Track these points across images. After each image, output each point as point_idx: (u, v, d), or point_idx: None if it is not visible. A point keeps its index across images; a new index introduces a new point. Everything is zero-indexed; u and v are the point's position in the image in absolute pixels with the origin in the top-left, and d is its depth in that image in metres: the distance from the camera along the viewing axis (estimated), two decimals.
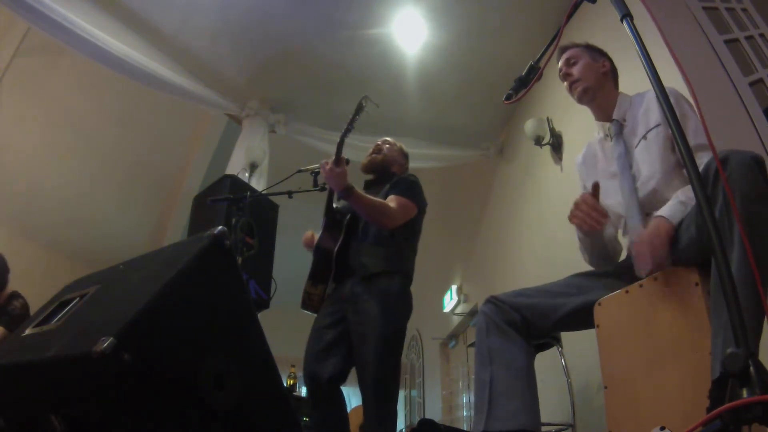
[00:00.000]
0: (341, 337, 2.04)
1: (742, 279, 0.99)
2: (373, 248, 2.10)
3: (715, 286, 1.07)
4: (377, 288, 2.02)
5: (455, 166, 4.93)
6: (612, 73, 1.69)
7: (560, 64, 1.69)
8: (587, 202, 1.45)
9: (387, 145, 2.42)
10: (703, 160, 1.28)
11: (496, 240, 4.45)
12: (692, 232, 1.23)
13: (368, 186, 2.37)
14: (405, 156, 2.48)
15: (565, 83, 1.68)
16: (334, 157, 2.03)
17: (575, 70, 1.64)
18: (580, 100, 1.65)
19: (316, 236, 2.29)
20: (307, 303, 2.20)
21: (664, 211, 1.33)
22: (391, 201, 2.10)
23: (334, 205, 2.26)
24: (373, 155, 2.38)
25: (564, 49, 1.70)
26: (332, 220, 2.21)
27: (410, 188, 2.19)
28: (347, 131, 2.13)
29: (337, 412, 2.04)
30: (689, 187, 1.35)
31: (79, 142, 4.76)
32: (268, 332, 1.08)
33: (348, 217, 2.20)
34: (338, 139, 2.11)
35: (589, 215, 1.45)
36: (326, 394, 2.02)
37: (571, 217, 1.49)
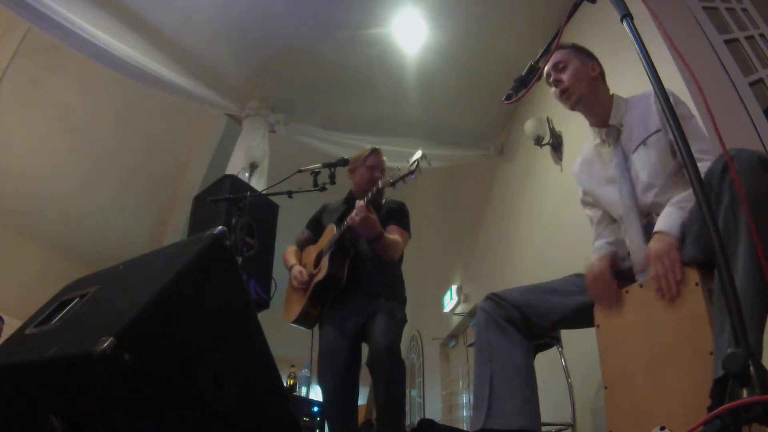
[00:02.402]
0: (352, 348, 2.21)
1: (749, 278, 0.99)
2: (380, 274, 2.25)
3: (720, 286, 1.07)
4: (382, 304, 2.18)
5: (455, 166, 4.93)
6: (601, 75, 1.64)
7: (548, 67, 1.61)
8: (605, 281, 1.40)
9: (381, 175, 2.41)
10: (703, 164, 1.27)
11: (496, 240, 4.45)
12: (695, 230, 1.22)
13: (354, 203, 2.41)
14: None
15: (554, 89, 1.62)
16: (364, 202, 2.06)
17: (565, 77, 1.58)
18: (573, 108, 1.61)
19: (296, 253, 2.40)
20: (301, 320, 2.30)
21: (662, 224, 1.29)
22: (395, 234, 2.26)
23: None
24: (377, 176, 2.37)
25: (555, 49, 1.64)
26: (342, 249, 2.25)
27: (406, 219, 2.38)
28: (393, 184, 2.09)
29: (352, 424, 2.16)
30: (684, 193, 1.35)
31: (79, 142, 4.76)
32: (268, 332, 1.08)
33: (353, 248, 2.27)
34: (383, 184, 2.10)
35: (607, 295, 1.40)
36: (341, 411, 2.16)
37: (590, 292, 1.44)
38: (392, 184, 2.09)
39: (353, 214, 2.06)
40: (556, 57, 1.62)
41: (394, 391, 2.01)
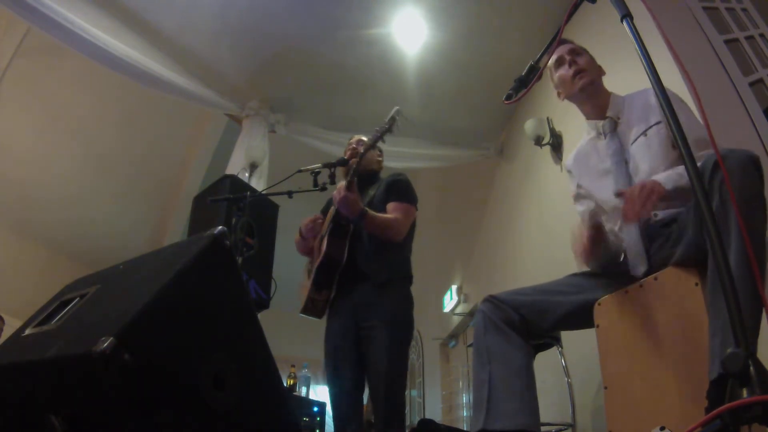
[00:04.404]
0: (356, 345, 2.09)
1: (739, 278, 0.99)
2: (381, 255, 2.14)
3: (713, 286, 1.07)
4: (388, 294, 2.09)
5: (455, 166, 4.93)
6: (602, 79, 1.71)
7: (562, 52, 1.68)
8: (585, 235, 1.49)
9: (362, 147, 2.34)
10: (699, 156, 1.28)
11: (496, 240, 4.45)
12: (689, 233, 1.23)
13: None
14: (379, 149, 2.44)
15: (567, 70, 1.65)
16: (346, 181, 2.01)
17: (581, 61, 1.65)
18: (582, 89, 1.63)
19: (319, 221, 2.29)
20: (310, 308, 2.21)
21: (658, 176, 1.33)
22: (395, 211, 2.15)
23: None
24: (353, 160, 2.28)
25: (564, 41, 1.70)
26: (338, 226, 2.18)
27: (407, 191, 2.24)
28: (372, 145, 2.08)
29: (357, 423, 2.09)
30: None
31: (79, 142, 4.76)
32: (268, 332, 1.08)
33: (352, 225, 2.19)
34: (359, 152, 2.08)
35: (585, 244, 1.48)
36: (349, 405, 2.09)
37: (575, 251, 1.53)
38: (372, 146, 2.08)
39: (335, 192, 2.05)
40: (572, 45, 1.70)
41: (393, 414, 1.97)
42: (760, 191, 1.08)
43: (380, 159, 2.45)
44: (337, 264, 2.15)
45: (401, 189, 2.23)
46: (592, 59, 1.69)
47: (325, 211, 2.41)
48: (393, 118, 2.06)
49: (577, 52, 1.68)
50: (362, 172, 2.32)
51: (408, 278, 2.22)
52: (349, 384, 2.09)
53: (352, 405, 2.11)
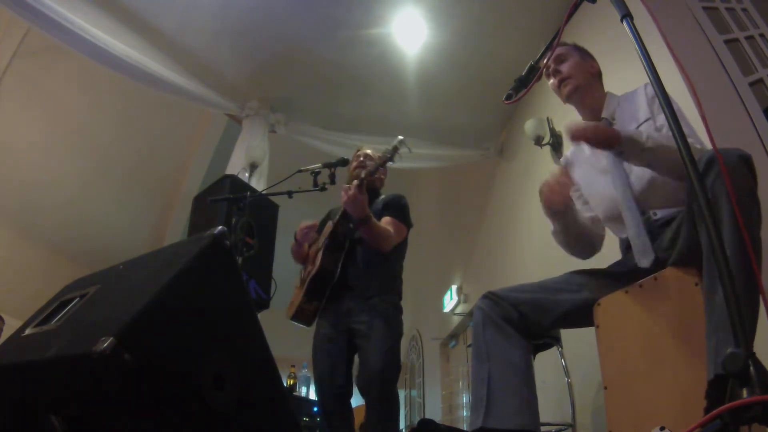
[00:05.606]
0: (346, 349, 2.15)
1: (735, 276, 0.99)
2: (371, 272, 2.20)
3: (708, 286, 1.07)
4: (376, 305, 2.14)
5: (455, 166, 4.93)
6: (599, 75, 1.68)
7: (548, 61, 1.66)
8: (554, 177, 1.48)
9: (370, 161, 2.41)
10: None
11: (496, 240, 4.45)
12: (684, 232, 1.23)
13: None
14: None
15: (553, 80, 1.66)
16: (357, 182, 2.04)
17: (564, 68, 1.63)
18: (569, 98, 1.63)
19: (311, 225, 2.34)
20: (299, 316, 2.26)
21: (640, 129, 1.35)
22: (389, 225, 2.20)
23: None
24: (358, 170, 2.36)
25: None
26: (336, 242, 2.24)
27: (403, 211, 2.30)
28: (373, 172, 2.16)
29: (346, 425, 2.13)
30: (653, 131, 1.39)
31: (79, 143, 4.77)
32: (268, 332, 1.08)
33: (348, 242, 2.25)
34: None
35: (553, 188, 1.48)
36: (337, 407, 2.12)
37: (540, 194, 1.53)
38: (373, 172, 2.15)
39: (345, 188, 2.07)
40: (557, 51, 1.67)
41: (386, 414, 2.01)
42: (753, 190, 1.09)
43: (383, 177, 2.49)
44: (330, 276, 2.19)
45: (399, 208, 2.30)
46: (579, 62, 1.65)
47: (322, 224, 2.45)
48: (395, 148, 2.12)
49: (561, 58, 1.65)
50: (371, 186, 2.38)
51: (396, 295, 2.27)
52: (339, 386, 2.12)
53: (342, 407, 2.14)
